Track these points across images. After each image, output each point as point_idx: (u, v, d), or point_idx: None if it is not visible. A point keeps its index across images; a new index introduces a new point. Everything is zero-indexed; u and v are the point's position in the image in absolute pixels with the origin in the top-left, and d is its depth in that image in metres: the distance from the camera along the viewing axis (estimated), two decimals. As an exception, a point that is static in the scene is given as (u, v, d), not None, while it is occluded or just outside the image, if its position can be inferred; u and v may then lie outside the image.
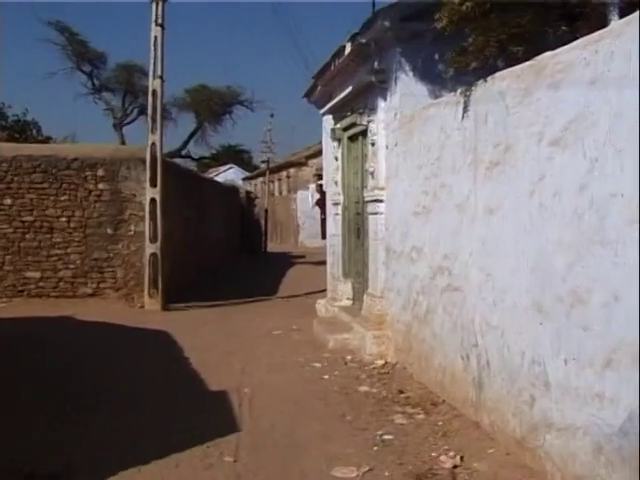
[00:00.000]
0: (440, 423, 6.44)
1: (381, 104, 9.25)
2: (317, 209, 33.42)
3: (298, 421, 6.62)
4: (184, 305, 14.52)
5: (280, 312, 14.32)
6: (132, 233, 14.06)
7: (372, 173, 9.44)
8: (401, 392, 7.57)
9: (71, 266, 14.08)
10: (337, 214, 11.73)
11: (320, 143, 42.48)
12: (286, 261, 29.07)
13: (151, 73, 13.61)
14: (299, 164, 40.44)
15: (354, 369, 8.78)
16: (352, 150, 11.15)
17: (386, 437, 6.08)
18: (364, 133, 10.10)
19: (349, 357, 9.40)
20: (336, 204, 11.72)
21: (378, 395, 7.54)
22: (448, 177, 6.94)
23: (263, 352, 9.98)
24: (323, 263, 29.41)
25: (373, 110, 9.38)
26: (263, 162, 37.02)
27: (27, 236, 14.05)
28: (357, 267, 11.01)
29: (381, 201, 9.23)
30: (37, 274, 14.04)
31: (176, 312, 13.90)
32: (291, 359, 9.46)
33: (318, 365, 9.06)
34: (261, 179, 46.49)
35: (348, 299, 11.37)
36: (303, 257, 31.18)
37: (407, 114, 8.43)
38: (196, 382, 8.17)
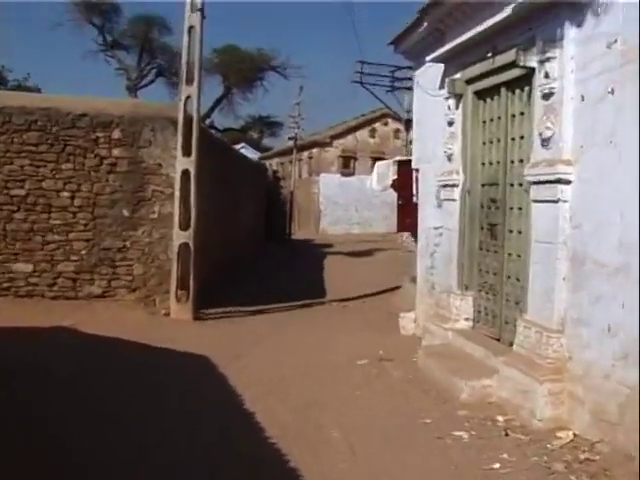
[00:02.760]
0: None
1: (570, 32, 5.91)
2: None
3: None
4: (220, 311, 11.23)
5: (345, 324, 11.08)
6: (156, 216, 10.69)
7: (546, 140, 6.12)
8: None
9: (74, 257, 10.66)
10: (450, 200, 8.41)
11: (345, 122, 39.25)
12: (315, 251, 25.75)
13: (188, 5, 10.21)
14: (323, 144, 37.05)
15: (526, 446, 5.52)
16: (484, 110, 7.85)
17: None
18: (521, 82, 6.81)
19: (501, 419, 6.16)
20: (448, 186, 8.40)
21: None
22: None
23: (362, 403, 6.70)
24: (357, 254, 26.79)
25: (552, 43, 6.04)
26: (290, 139, 33.59)
27: (16, 216, 10.56)
28: (486, 278, 7.74)
29: (566, 182, 5.90)
30: (28, 267, 10.60)
31: (212, 322, 10.60)
32: (411, 420, 6.19)
33: (462, 436, 5.79)
34: (277, 159, 43.07)
35: (467, 320, 8.08)
36: (331, 246, 27.94)
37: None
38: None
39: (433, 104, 9.10)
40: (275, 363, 8.24)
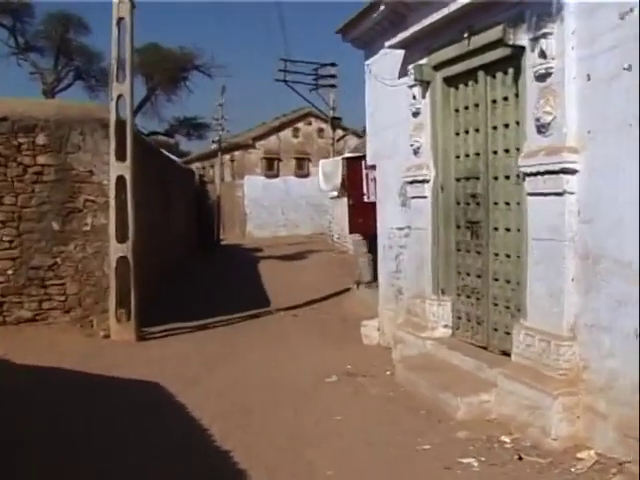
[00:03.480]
0: None
1: (570, 3, 5.29)
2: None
3: None
4: (163, 329, 10.25)
5: (300, 336, 10.31)
6: (89, 228, 9.61)
7: (544, 126, 5.50)
8: None
9: (-1, 278, 9.51)
10: (418, 198, 7.73)
11: (264, 124, 38.30)
12: (246, 256, 24.78)
13: (116, -7, 9.21)
14: (246, 146, 36.01)
15: (547, 471, 4.89)
16: (457, 98, 7.21)
17: None
18: (504, 63, 6.21)
19: (508, 440, 5.53)
20: (416, 182, 7.71)
21: None
22: None
23: (347, 431, 5.91)
24: (290, 258, 25.88)
25: (547, 17, 5.41)
26: (214, 142, 32.42)
27: None
28: (467, 281, 7.10)
29: (572, 172, 5.28)
30: (-57, 291, 9.35)
31: (157, 343, 9.62)
32: (408, 447, 5.45)
33: (471, 463, 5.09)
34: (198, 164, 41.72)
35: (446, 327, 7.42)
36: (261, 250, 27.03)
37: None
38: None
39: (391, 94, 8.43)
40: (237, 387, 7.37)
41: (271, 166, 36.85)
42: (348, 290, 14.26)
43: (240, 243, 31.69)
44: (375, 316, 9.45)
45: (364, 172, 11.04)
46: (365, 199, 11.05)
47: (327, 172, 12.68)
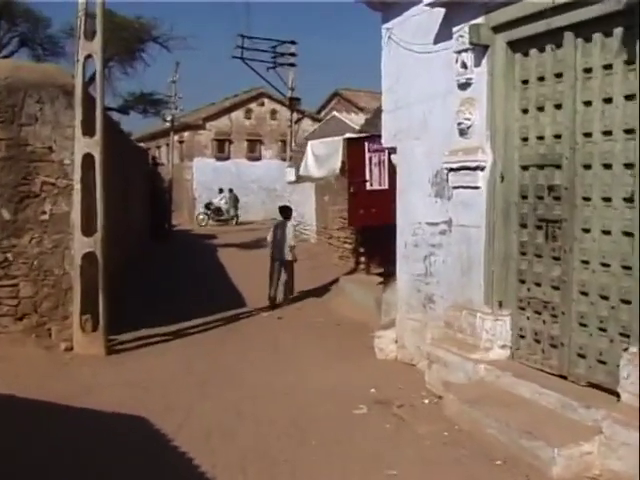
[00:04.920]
0: None
1: None
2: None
3: None
4: (135, 338, 8.66)
5: (296, 346, 8.93)
6: (47, 217, 7.87)
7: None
8: None
9: None
10: (467, 188, 6.34)
11: (213, 104, 36.30)
12: (202, 245, 23.06)
13: None
14: (196, 127, 34.03)
15: None
16: (525, 66, 5.84)
17: None
18: (609, 22, 4.89)
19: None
20: (465, 169, 6.32)
21: None
22: None
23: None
24: (250, 246, 24.15)
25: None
26: (166, 121, 30.35)
27: None
28: (535, 291, 5.78)
29: None
30: None
31: (130, 356, 8.01)
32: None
33: None
34: (142, 145, 39.40)
35: (503, 347, 6.07)
36: (214, 237, 25.39)
37: None
38: None
39: (422, 63, 7.05)
40: (245, 423, 5.87)
41: (222, 148, 35.04)
42: (329, 285, 12.89)
43: (190, 229, 29.89)
44: (391, 325, 8.05)
45: (367, 155, 9.62)
46: (368, 186, 9.64)
47: (320, 155, 11.09)
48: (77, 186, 7.66)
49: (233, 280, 14.55)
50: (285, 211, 11.98)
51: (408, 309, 7.66)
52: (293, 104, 29.22)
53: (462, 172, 6.35)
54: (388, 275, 10.00)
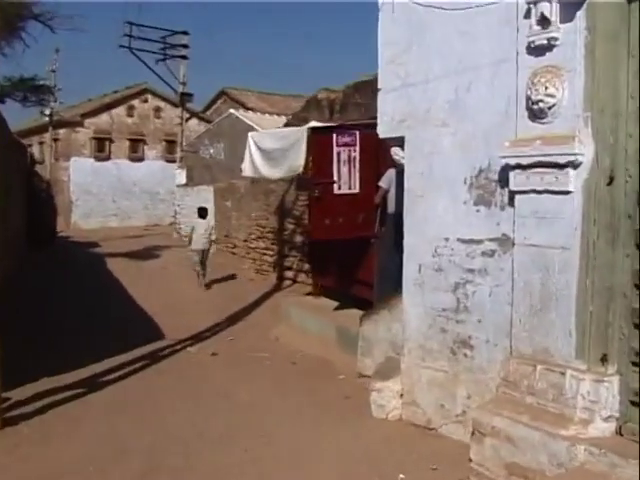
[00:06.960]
0: None
1: None
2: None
3: None
4: (34, 395, 6.25)
5: (247, 393, 6.78)
6: None
7: None
8: None
9: None
10: (548, 193, 4.48)
11: (90, 100, 33.14)
12: (86, 254, 20.17)
13: None
14: (73, 124, 30.69)
15: None
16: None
17: None
18: None
19: None
20: (544, 166, 4.46)
21: None
22: None
23: None
24: (140, 256, 21.46)
25: None
26: (44, 114, 26.93)
27: None
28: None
29: None
30: None
31: (35, 431, 5.58)
32: None
33: None
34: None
35: (607, 420, 4.24)
36: (97, 245, 22.54)
37: None
38: None
39: (457, 22, 5.18)
40: None
41: (102, 147, 31.81)
42: (259, 306, 10.82)
43: (68, 235, 26.68)
44: (391, 374, 6.10)
45: (335, 150, 7.63)
46: (336, 189, 7.66)
47: (271, 150, 8.82)
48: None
49: (138, 301, 12.11)
50: (202, 211, 14.55)
51: (424, 354, 5.73)
52: (184, 100, 26.75)
53: (537, 170, 4.49)
54: (358, 302, 8.08)
